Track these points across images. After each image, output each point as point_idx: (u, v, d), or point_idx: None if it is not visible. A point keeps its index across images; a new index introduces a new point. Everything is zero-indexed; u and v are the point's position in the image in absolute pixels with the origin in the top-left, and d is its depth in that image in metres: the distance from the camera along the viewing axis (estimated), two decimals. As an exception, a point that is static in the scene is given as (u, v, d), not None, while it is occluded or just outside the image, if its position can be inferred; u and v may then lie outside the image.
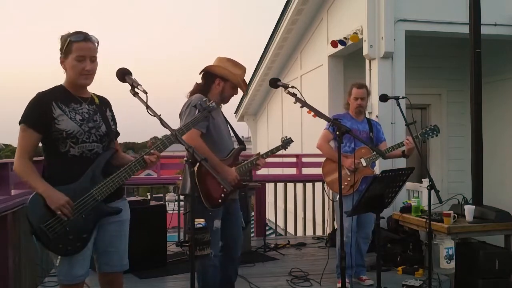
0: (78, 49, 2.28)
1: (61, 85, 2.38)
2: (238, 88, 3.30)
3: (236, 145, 3.36)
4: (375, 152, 3.98)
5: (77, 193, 2.25)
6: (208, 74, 3.26)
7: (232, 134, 3.43)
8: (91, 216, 2.29)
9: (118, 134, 2.57)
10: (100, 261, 2.47)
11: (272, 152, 3.42)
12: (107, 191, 2.30)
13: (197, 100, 3.09)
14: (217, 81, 3.22)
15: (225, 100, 3.30)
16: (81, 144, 2.31)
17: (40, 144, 2.34)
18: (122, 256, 2.50)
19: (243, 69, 3.31)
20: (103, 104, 2.49)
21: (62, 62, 2.33)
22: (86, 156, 2.33)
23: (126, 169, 2.32)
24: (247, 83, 11.68)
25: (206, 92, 3.22)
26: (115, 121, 2.54)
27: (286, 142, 3.51)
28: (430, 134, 4.08)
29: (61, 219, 2.21)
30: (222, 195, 3.09)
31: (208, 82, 3.24)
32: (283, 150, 3.53)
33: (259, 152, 3.40)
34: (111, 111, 2.53)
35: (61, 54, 2.33)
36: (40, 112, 2.26)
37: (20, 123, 2.27)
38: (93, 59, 2.33)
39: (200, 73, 3.29)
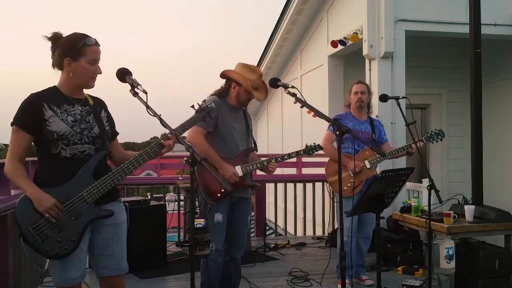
0: (92, 52, 2.31)
1: (54, 86, 2.36)
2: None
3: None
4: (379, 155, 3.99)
5: (67, 195, 2.23)
6: (227, 78, 3.36)
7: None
8: (82, 219, 2.26)
9: (116, 133, 2.55)
10: (97, 264, 2.43)
11: (289, 156, 3.41)
12: (98, 193, 2.27)
13: (208, 102, 3.20)
14: (233, 85, 3.32)
15: (243, 103, 3.37)
16: (73, 146, 2.29)
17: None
18: (120, 259, 2.45)
19: (257, 75, 3.35)
20: (98, 105, 2.46)
21: (68, 64, 2.29)
22: (78, 157, 2.30)
23: (119, 169, 2.30)
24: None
25: (225, 95, 3.34)
26: (112, 121, 2.52)
27: (311, 149, 3.47)
28: (435, 138, 4.11)
29: (49, 221, 2.18)
30: (222, 190, 3.13)
31: (227, 86, 3.35)
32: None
33: (284, 155, 3.41)
34: (106, 111, 2.50)
35: (66, 56, 2.28)
36: (31, 114, 2.23)
37: (12, 124, 2.25)
38: (99, 62, 2.37)
39: (220, 77, 3.40)
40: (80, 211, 2.25)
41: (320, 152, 4.17)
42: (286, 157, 3.38)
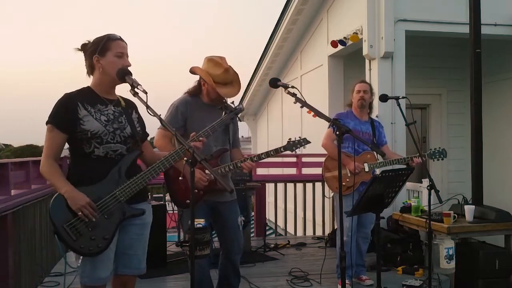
0: (117, 46, 2.37)
1: (88, 86, 2.41)
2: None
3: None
4: (379, 160, 4.00)
5: (100, 193, 2.27)
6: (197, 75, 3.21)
7: (231, 136, 3.26)
8: (114, 217, 2.30)
9: (147, 134, 2.59)
10: (118, 263, 2.44)
11: (267, 155, 3.12)
12: (130, 192, 2.31)
13: (177, 101, 3.15)
14: (202, 82, 3.17)
15: (215, 101, 3.15)
16: (106, 145, 2.33)
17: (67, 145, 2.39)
18: (141, 259, 2.50)
19: (223, 69, 3.09)
20: (129, 107, 2.51)
21: (97, 62, 2.35)
22: (111, 157, 2.34)
23: (151, 169, 2.33)
24: (248, 83, 11.48)
25: (198, 93, 3.20)
26: (142, 123, 2.56)
27: (294, 144, 3.13)
28: (437, 156, 4.19)
29: (82, 219, 2.22)
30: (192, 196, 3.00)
31: (199, 83, 3.20)
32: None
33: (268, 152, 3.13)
34: (137, 113, 2.55)
35: (94, 54, 2.34)
36: (66, 113, 2.29)
37: (47, 123, 2.30)
38: (127, 56, 2.41)
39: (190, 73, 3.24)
40: (113, 209, 2.29)
41: (320, 152, 4.18)
42: (263, 156, 3.10)
